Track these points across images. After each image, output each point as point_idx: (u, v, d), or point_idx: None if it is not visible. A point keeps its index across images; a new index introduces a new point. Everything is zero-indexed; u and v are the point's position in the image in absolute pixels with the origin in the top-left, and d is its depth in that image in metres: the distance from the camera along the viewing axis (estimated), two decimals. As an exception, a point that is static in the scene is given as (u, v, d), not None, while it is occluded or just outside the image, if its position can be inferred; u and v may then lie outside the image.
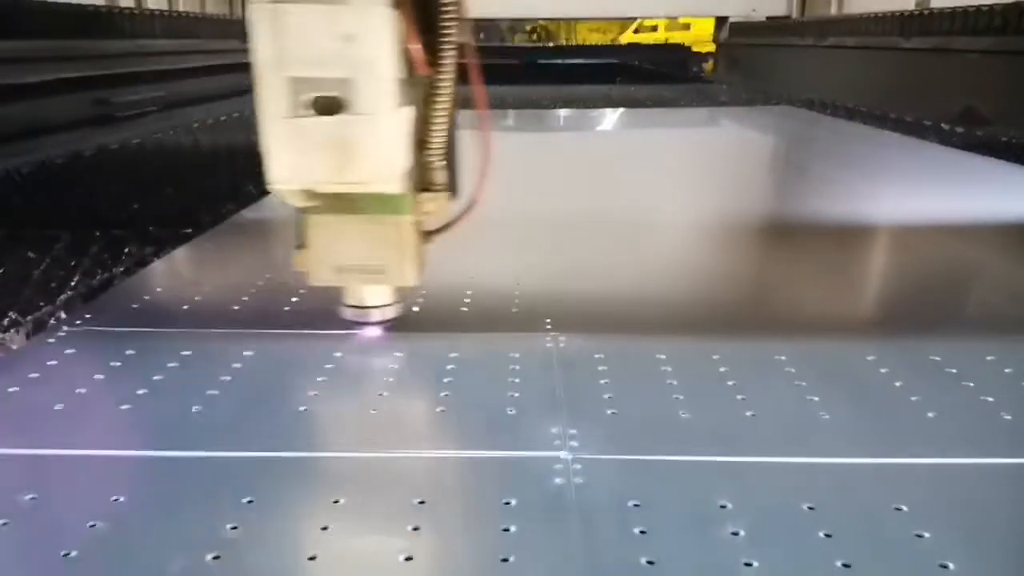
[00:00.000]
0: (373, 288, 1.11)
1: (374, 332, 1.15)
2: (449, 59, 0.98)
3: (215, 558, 0.67)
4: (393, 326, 1.14)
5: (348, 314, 1.14)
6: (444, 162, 1.05)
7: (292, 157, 0.90)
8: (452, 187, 1.09)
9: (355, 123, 0.88)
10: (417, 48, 0.94)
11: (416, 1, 0.93)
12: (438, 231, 1.12)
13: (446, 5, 0.95)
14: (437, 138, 1.03)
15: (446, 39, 0.97)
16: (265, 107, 0.88)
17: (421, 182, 1.05)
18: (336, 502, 0.75)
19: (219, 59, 4.77)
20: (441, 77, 0.99)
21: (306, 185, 0.94)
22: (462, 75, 0.99)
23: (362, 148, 0.89)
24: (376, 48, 0.86)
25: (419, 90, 0.99)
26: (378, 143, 0.90)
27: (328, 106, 0.88)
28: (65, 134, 3.09)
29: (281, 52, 0.86)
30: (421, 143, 1.02)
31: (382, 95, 0.89)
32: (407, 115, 0.95)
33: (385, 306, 1.14)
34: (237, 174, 2.56)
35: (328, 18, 0.85)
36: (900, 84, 4.30)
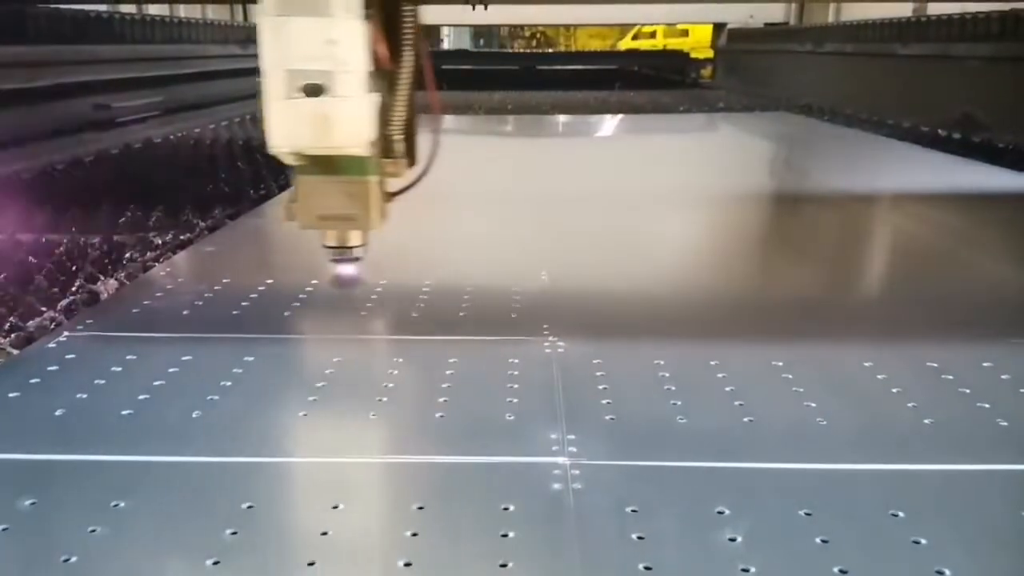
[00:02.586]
0: (349, 233, 1.41)
1: (348, 268, 1.42)
2: (407, 58, 1.33)
3: (215, 563, 0.67)
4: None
5: (329, 254, 1.40)
6: (403, 136, 1.38)
7: (287, 127, 1.20)
8: (411, 157, 1.43)
9: (333, 103, 1.19)
10: (382, 49, 1.28)
11: (383, 15, 1.29)
12: (399, 192, 1.44)
13: (406, 19, 1.33)
14: (397, 117, 1.37)
15: (405, 43, 1.33)
16: (268, 92, 1.18)
17: (384, 151, 1.36)
18: (335, 507, 0.75)
19: (220, 64, 4.78)
20: (400, 71, 1.35)
21: (296, 148, 1.23)
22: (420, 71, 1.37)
23: (338, 122, 1.20)
24: (351, 50, 1.18)
25: (384, 80, 1.32)
26: (351, 118, 1.21)
27: (314, 90, 1.18)
28: (66, 138, 3.10)
29: (281, 52, 1.18)
30: (385, 121, 1.34)
31: (355, 84, 1.20)
32: (374, 99, 1.26)
33: (358, 246, 1.42)
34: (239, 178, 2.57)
35: (317, 27, 1.17)
36: (897, 90, 4.32)
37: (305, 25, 1.17)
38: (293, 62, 1.18)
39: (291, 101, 1.19)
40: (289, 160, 1.26)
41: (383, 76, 1.33)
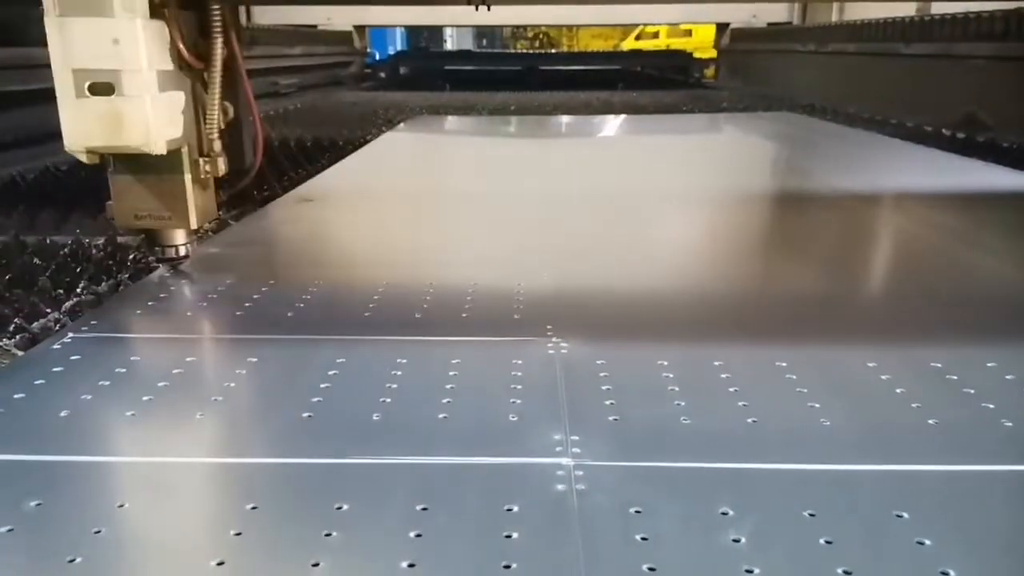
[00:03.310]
0: (172, 231, 1.46)
1: (168, 268, 1.49)
2: (218, 57, 1.39)
3: (219, 564, 0.68)
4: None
5: (151, 254, 1.48)
6: (218, 135, 1.44)
7: (79, 127, 1.24)
8: (243, 156, 1.52)
9: (122, 102, 1.23)
10: (182, 48, 1.33)
11: (196, 14, 1.36)
12: (231, 190, 1.53)
13: (215, 17, 1.37)
14: (211, 116, 1.42)
15: (215, 43, 1.39)
16: (59, 91, 1.22)
17: (201, 149, 1.43)
18: (339, 508, 0.76)
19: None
20: (212, 70, 1.39)
21: (90, 147, 1.26)
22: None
23: (128, 121, 1.24)
24: (134, 49, 1.21)
25: (196, 80, 1.39)
26: (140, 117, 1.24)
27: (103, 90, 1.22)
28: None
29: (67, 52, 1.21)
30: (199, 119, 1.41)
31: (142, 82, 1.23)
32: (173, 98, 1.31)
33: (181, 245, 1.48)
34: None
35: (100, 27, 1.20)
36: (901, 90, 4.31)
37: (88, 25, 1.19)
38: (79, 62, 1.20)
39: (81, 100, 1.21)
40: (86, 159, 1.27)
41: (195, 75, 1.39)
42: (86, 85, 1.21)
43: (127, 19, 1.21)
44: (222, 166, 1.45)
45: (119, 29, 1.20)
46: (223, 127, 1.46)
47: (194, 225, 1.44)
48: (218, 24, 1.38)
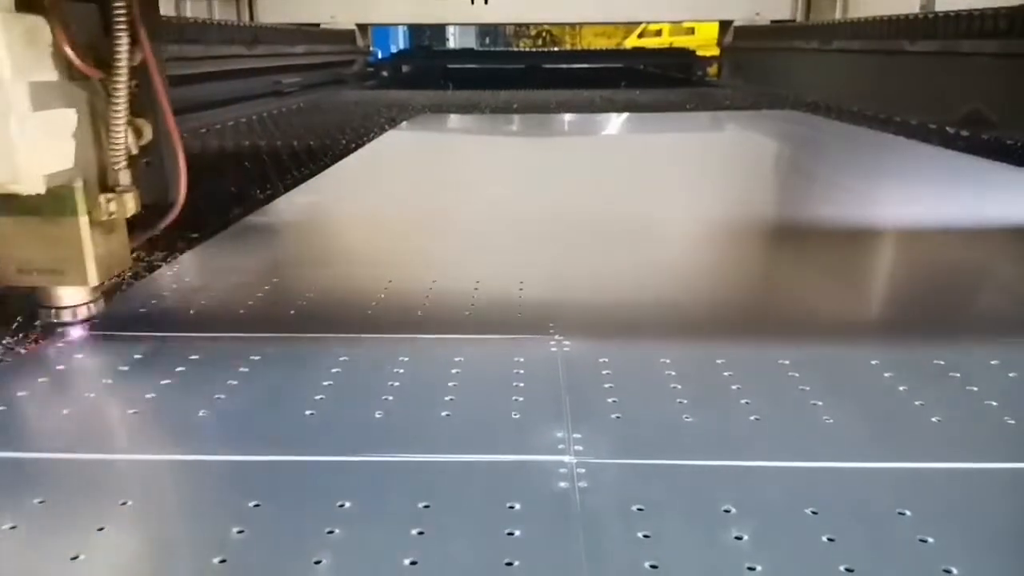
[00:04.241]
0: (66, 288, 1.15)
1: (75, 332, 1.18)
2: (122, 62, 1.05)
3: (221, 561, 0.68)
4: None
5: (42, 315, 1.16)
6: (126, 163, 1.11)
7: None
8: (163, 189, 1.18)
9: None
10: (70, 52, 1.00)
11: (80, 6, 1.02)
12: (145, 232, 1.19)
13: (117, 10, 1.03)
14: (116, 139, 1.08)
15: (118, 43, 1.04)
16: None
17: (103, 183, 1.10)
18: (342, 506, 0.76)
19: (225, 65, 4.80)
20: (116, 79, 1.05)
21: None
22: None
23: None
24: None
25: (93, 93, 1.07)
26: (2, 146, 0.92)
27: None
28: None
29: None
30: (100, 144, 1.09)
31: (1, 98, 0.91)
32: (60, 118, 0.99)
33: (80, 305, 1.16)
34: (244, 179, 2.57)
35: None
36: (904, 87, 4.30)
37: None
38: None
39: None
40: None
41: (91, 88, 1.07)
42: None
43: None
44: (131, 203, 1.13)
45: None
46: (134, 153, 1.14)
47: (94, 281, 1.13)
48: (122, 17, 1.04)
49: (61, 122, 1.00)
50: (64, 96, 1.02)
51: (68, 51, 1.01)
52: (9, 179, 0.94)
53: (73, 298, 1.16)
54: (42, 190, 1.00)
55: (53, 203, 1.05)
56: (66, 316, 1.17)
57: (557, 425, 0.91)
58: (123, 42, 1.06)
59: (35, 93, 0.96)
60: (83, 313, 1.17)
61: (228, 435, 0.91)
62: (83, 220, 1.08)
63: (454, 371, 1.06)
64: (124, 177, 1.12)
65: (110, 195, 1.11)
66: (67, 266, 1.09)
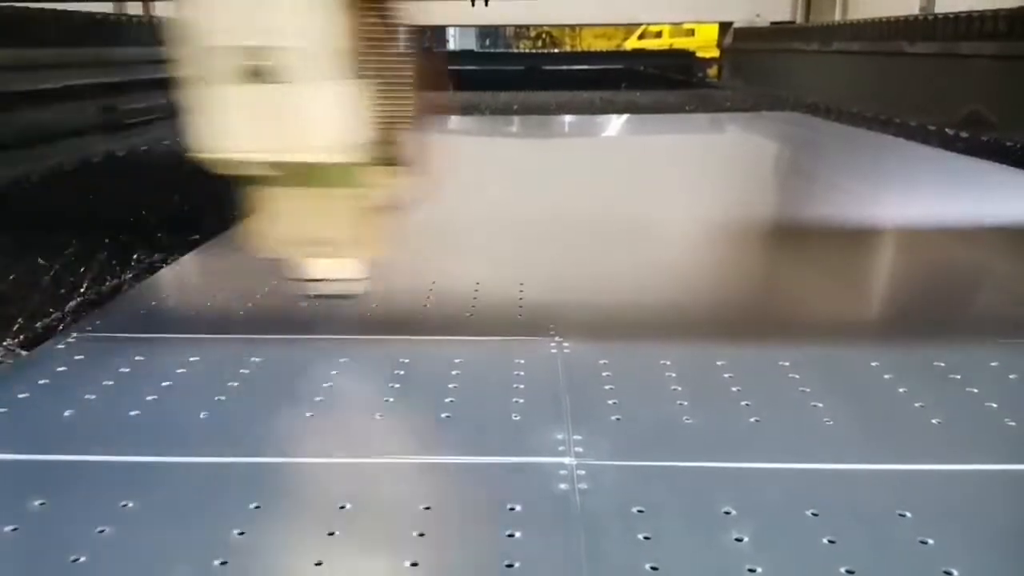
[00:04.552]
0: (338, 261, 1.10)
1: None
2: (395, 34, 0.98)
3: (222, 563, 0.68)
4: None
5: (310, 289, 1.12)
6: (399, 137, 1.05)
7: (226, 126, 0.87)
8: (415, 163, 1.11)
9: (293, 93, 0.85)
10: (365, 19, 0.92)
11: None
12: (401, 207, 1.12)
13: None
14: (392, 112, 1.02)
15: (388, 14, 0.95)
16: (200, 77, 0.86)
17: (377, 156, 1.03)
18: (343, 508, 0.76)
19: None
20: (386, 51, 0.98)
21: (242, 155, 0.90)
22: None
23: (301, 118, 0.88)
24: (310, 18, 0.84)
25: (372, 65, 0.99)
26: (319, 114, 0.88)
27: (266, 75, 0.85)
28: (72, 140, 3.11)
29: (217, 22, 0.83)
30: (375, 117, 1.01)
31: (320, 64, 0.86)
32: (356, 88, 0.93)
33: (351, 280, 1.13)
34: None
35: None
36: (904, 89, 4.30)
37: None
38: (231, 36, 0.84)
39: (232, 90, 0.85)
40: (231, 170, 0.93)
41: (370, 58, 0.99)
42: (240, 68, 0.85)
43: None
44: (402, 179, 1.10)
45: None
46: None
47: (367, 254, 1.12)
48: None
49: (356, 92, 0.95)
50: (354, 67, 0.94)
51: (364, 20, 0.93)
52: (328, 148, 0.90)
53: (346, 270, 1.12)
54: (352, 159, 0.95)
55: (330, 175, 1.00)
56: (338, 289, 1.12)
57: (557, 427, 0.91)
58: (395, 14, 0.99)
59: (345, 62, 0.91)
60: (356, 287, 1.14)
61: (228, 436, 0.91)
62: (360, 192, 1.04)
63: (454, 373, 1.06)
64: (394, 151, 1.07)
65: (383, 169, 1.06)
66: (340, 239, 1.06)
